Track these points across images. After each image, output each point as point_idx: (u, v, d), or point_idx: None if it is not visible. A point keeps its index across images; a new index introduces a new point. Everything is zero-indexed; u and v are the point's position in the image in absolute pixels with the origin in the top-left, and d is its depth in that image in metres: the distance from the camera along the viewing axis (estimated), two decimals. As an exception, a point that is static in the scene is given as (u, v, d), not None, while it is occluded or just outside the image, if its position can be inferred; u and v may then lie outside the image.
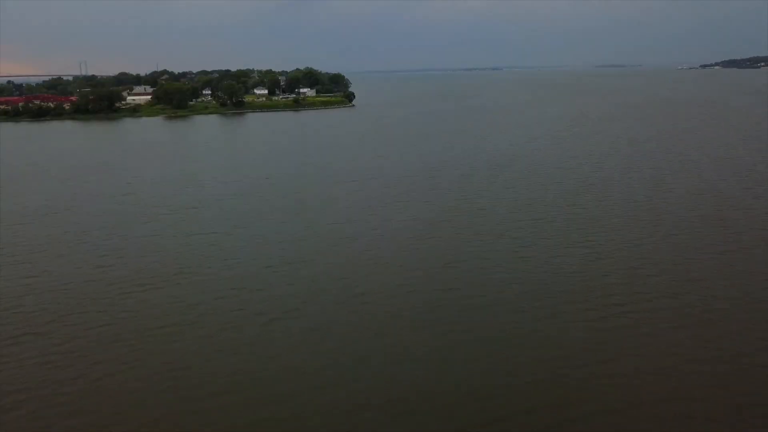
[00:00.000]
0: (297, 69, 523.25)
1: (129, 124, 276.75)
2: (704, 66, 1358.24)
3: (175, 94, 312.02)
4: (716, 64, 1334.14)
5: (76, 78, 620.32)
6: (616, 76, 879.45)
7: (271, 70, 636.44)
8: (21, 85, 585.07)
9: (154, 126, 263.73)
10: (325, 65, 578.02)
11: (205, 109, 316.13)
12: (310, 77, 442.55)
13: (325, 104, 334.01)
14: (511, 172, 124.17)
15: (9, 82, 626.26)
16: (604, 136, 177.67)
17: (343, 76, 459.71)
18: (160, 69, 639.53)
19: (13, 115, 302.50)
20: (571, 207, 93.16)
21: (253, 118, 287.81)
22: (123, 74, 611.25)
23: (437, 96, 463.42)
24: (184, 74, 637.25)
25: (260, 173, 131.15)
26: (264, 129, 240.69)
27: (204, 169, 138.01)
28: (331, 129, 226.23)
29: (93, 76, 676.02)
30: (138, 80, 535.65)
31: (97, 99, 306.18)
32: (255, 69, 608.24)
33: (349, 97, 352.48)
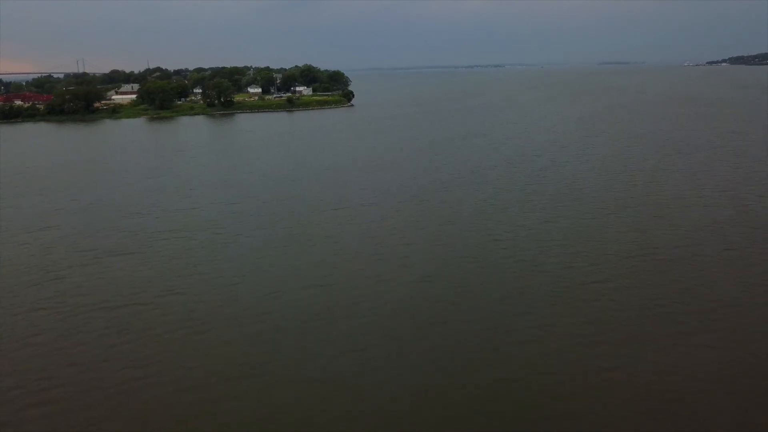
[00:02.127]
0: (296, 66, 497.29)
1: (104, 126, 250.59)
2: (711, 63, 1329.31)
3: (158, 94, 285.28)
4: (723, 60, 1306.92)
5: (67, 76, 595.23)
6: (622, 74, 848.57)
7: (268, 67, 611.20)
8: (9, 83, 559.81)
9: (130, 129, 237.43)
10: (326, 63, 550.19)
11: (190, 110, 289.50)
12: (308, 75, 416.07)
13: (322, 104, 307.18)
14: (545, 194, 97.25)
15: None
16: (644, 143, 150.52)
17: (343, 74, 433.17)
18: (153, 66, 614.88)
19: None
20: (649, 258, 65.83)
21: (241, 120, 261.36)
22: (115, 72, 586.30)
23: (441, 94, 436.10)
24: (178, 72, 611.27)
25: (226, 198, 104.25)
26: (249, 133, 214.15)
27: (154, 190, 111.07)
28: (324, 133, 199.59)
29: (84, 74, 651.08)
30: (128, 78, 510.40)
31: (72, 99, 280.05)
32: (252, 66, 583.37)
33: (348, 96, 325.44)
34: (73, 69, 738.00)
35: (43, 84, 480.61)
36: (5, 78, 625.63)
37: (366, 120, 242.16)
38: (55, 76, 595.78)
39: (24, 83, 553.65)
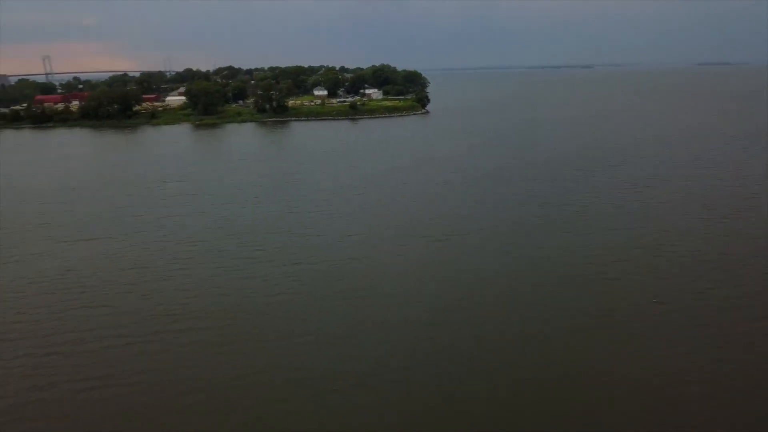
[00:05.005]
0: (372, 65, 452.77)
1: (134, 135, 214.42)
2: None
3: (201, 96, 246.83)
4: None
5: (144, 74, 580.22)
6: (740, 76, 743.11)
7: (344, 66, 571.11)
8: (88, 81, 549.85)
9: (162, 138, 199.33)
10: (405, 63, 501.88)
11: (237, 116, 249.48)
12: (380, 76, 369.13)
13: (391, 110, 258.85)
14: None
15: (75, 78, 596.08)
16: None
17: (420, 74, 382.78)
18: (225, 65, 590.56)
19: (12, 120, 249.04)
20: None
21: (292, 130, 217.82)
22: (188, 70, 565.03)
23: (533, 98, 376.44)
24: (249, 71, 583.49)
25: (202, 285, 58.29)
26: (289, 152, 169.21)
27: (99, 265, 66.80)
28: (385, 153, 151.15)
29: (159, 72, 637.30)
30: (194, 77, 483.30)
31: (108, 102, 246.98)
32: (325, 66, 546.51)
33: (422, 101, 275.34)
34: (159, 67, 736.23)
35: (113, 83, 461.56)
36: (86, 76, 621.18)
37: (442, 134, 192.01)
38: (131, 74, 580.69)
39: (99, 82, 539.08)
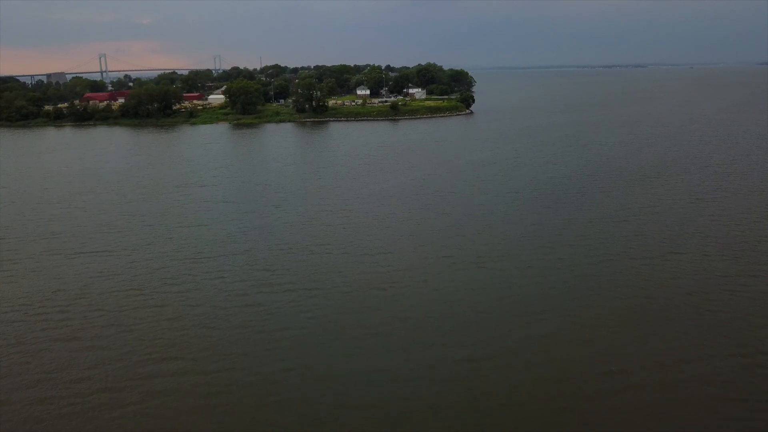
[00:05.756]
0: (419, 64, 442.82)
1: (168, 134, 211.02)
2: None
3: (240, 95, 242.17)
4: None
5: (192, 72, 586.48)
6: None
7: (390, 65, 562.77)
8: (138, 78, 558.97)
9: (186, 140, 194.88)
10: (453, 62, 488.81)
11: (275, 116, 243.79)
12: (425, 75, 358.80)
13: (433, 111, 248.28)
14: None
15: (126, 76, 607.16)
16: None
17: (467, 73, 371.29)
18: (270, 63, 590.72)
19: (54, 117, 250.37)
20: None
21: (329, 131, 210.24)
22: (235, 69, 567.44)
23: (587, 99, 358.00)
24: (295, 70, 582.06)
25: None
26: (320, 155, 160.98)
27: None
28: (420, 158, 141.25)
29: (208, 70, 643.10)
30: (238, 76, 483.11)
31: (148, 100, 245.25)
32: (371, 65, 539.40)
33: (466, 101, 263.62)
34: (210, 65, 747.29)
35: (161, 81, 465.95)
36: (139, 74, 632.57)
37: (487, 138, 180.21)
38: (180, 72, 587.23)
39: (148, 80, 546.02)
